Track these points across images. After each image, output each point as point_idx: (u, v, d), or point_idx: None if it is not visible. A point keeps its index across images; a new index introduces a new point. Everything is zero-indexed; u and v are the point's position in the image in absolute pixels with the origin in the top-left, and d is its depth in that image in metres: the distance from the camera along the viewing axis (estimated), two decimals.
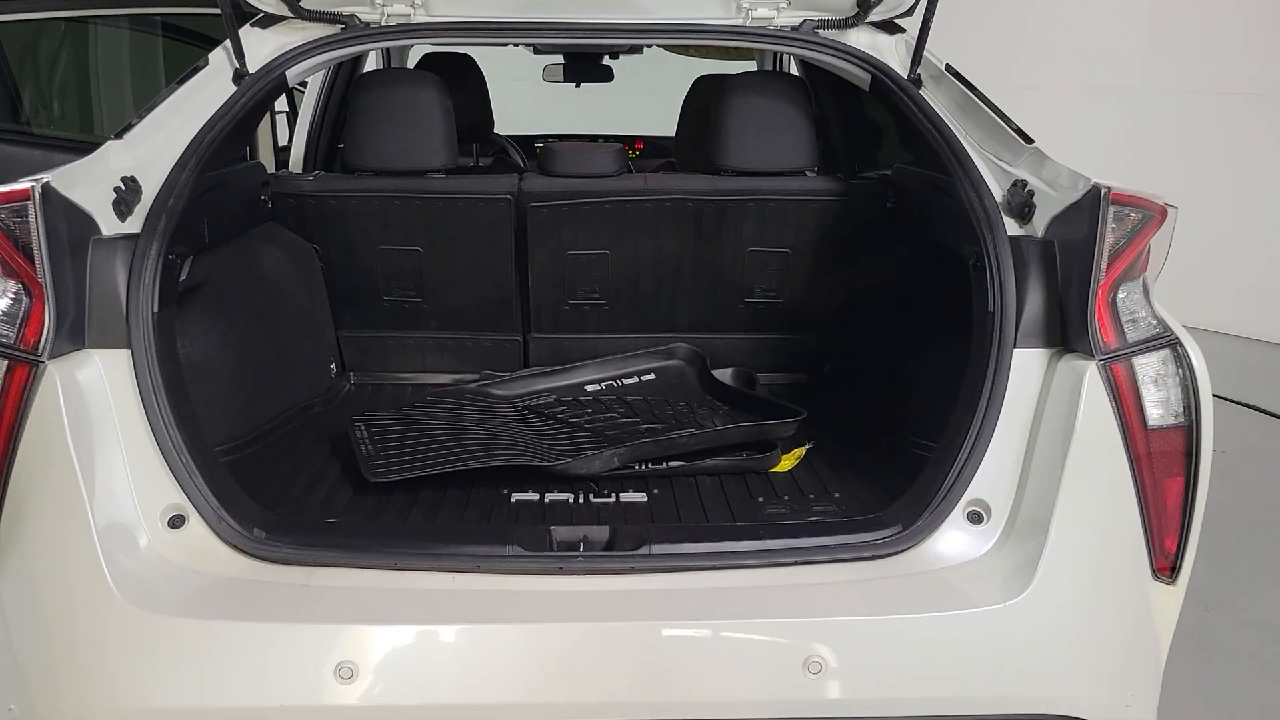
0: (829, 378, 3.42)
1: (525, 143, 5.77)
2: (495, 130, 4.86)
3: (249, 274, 2.99)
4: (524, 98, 6.37)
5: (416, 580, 2.11)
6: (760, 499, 2.61)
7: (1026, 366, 2.20)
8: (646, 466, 2.80)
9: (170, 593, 2.06)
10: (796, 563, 2.16)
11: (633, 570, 2.13)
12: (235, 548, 2.14)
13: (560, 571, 2.12)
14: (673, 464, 2.81)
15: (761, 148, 3.20)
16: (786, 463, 2.79)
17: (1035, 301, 2.21)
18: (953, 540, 2.19)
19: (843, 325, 3.32)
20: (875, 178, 3.29)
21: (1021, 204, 2.32)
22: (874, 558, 2.18)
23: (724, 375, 3.41)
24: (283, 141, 5.14)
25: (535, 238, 3.27)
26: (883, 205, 3.24)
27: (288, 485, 2.63)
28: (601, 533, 2.23)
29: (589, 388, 3.35)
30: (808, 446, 2.85)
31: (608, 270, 3.35)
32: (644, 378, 3.41)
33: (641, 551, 2.15)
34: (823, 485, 2.68)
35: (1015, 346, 2.20)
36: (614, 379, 3.40)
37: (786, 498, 2.61)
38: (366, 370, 3.50)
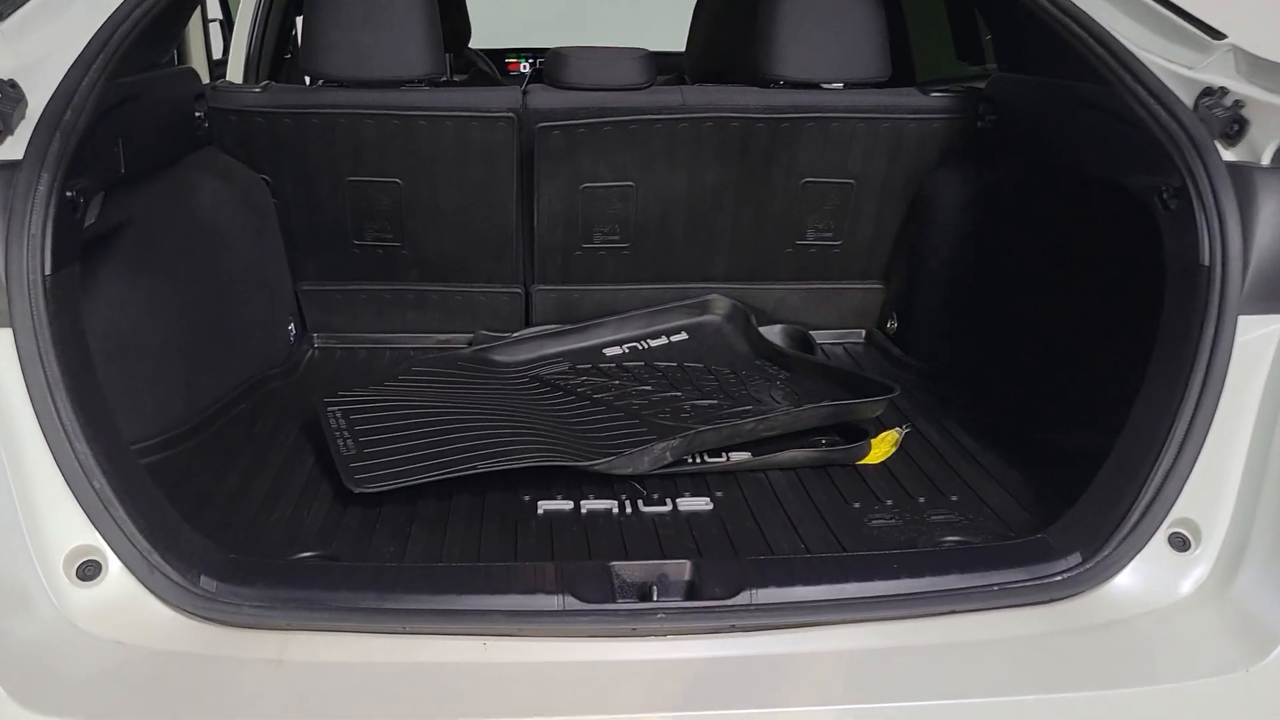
0: (895, 337, 2.84)
1: (497, 59, 5.06)
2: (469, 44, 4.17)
3: (181, 215, 2.32)
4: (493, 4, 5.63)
5: (434, 650, 1.51)
6: (857, 504, 2.04)
7: (1254, 340, 1.64)
8: (702, 458, 2.21)
9: (81, 682, 1.44)
10: (953, 611, 1.60)
11: (734, 629, 1.55)
12: (174, 606, 1.52)
13: (634, 634, 1.54)
14: (735, 455, 2.22)
15: (824, 52, 2.58)
16: (879, 452, 2.22)
17: (1269, 251, 1.64)
18: (1151, 574, 1.64)
19: (918, 274, 2.73)
20: (963, 90, 2.67)
21: (1227, 119, 1.73)
22: (1050, 601, 1.62)
23: (771, 333, 2.81)
24: (218, 54, 4.39)
25: (543, 166, 2.63)
26: (972, 124, 2.64)
27: (241, 498, 2.00)
28: (680, 571, 1.64)
29: (608, 351, 2.73)
30: (905, 431, 2.28)
31: (631, 206, 2.72)
32: (674, 338, 2.80)
33: (741, 600, 1.57)
34: (931, 484, 2.12)
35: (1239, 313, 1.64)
36: (638, 340, 2.78)
37: (890, 502, 2.04)
38: (333, 331, 2.85)
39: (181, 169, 2.36)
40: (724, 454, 2.22)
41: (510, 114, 2.55)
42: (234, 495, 2.00)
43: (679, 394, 2.48)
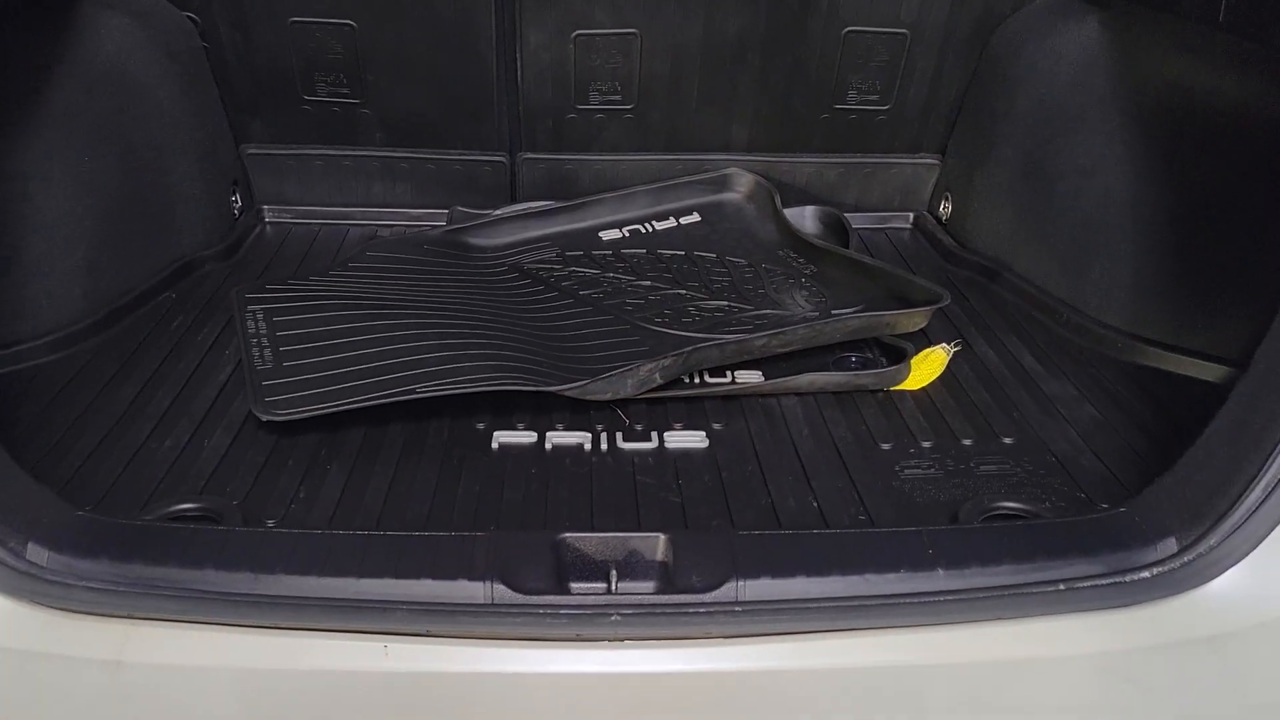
0: (948, 223, 2.38)
1: None
2: None
3: (77, 62, 1.90)
4: None
5: (319, 654, 1.16)
6: (887, 446, 1.64)
7: None
8: (702, 378, 1.81)
9: None
10: (1001, 618, 1.22)
11: (712, 636, 1.18)
12: None
13: (579, 640, 1.17)
14: (742, 374, 1.82)
15: None
16: (920, 375, 1.80)
17: None
18: (1273, 574, 1.23)
19: (983, 149, 2.25)
20: None
21: None
22: (1132, 604, 1.24)
23: (800, 216, 2.36)
24: None
25: (528, 6, 2.16)
26: None
27: (131, 419, 1.64)
28: (651, 547, 1.26)
29: (605, 235, 2.30)
30: (954, 348, 1.85)
31: (635, 59, 2.25)
32: (684, 220, 2.36)
33: (724, 596, 1.19)
34: (983, 419, 1.71)
35: None
36: (641, 222, 2.34)
37: (929, 444, 1.64)
38: (286, 203, 2.44)
39: (77, 4, 1.93)
40: (729, 373, 1.82)
41: None
42: (123, 415, 1.64)
43: (683, 292, 2.06)
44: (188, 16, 2.16)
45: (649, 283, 2.10)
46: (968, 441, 1.64)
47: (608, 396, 1.69)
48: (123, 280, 1.96)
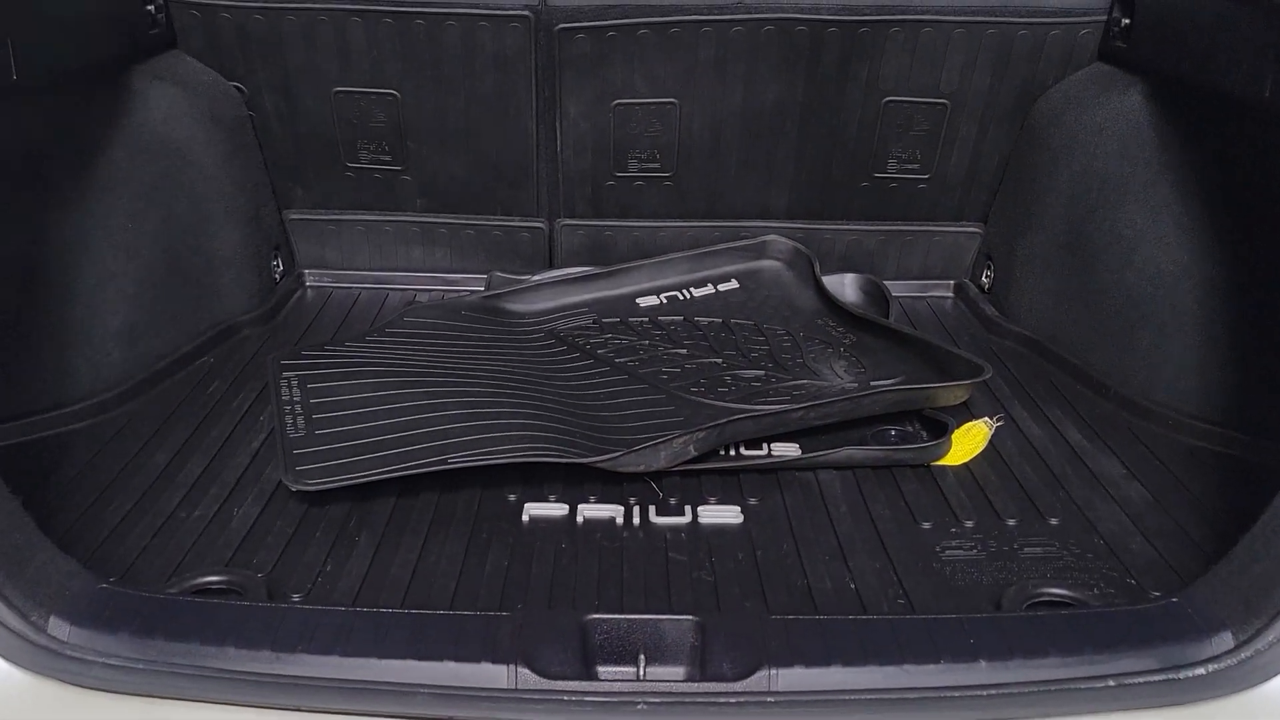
0: (990, 291, 2.34)
1: None
2: None
3: (125, 130, 1.94)
4: None
5: None
6: (927, 525, 1.59)
7: None
8: (737, 450, 1.78)
9: None
10: (1048, 716, 1.16)
11: None
12: (6, 658, 1.17)
13: None
14: (779, 447, 1.78)
15: None
16: (961, 449, 1.76)
17: None
18: None
19: (1026, 218, 2.21)
20: None
21: None
22: (1187, 703, 1.18)
23: (840, 285, 2.34)
24: None
25: (567, 78, 2.17)
26: (1102, 30, 2.10)
27: (163, 484, 1.64)
28: (681, 632, 1.22)
29: (642, 302, 2.29)
30: (997, 423, 1.80)
31: (674, 128, 2.26)
32: (723, 286, 2.34)
33: (756, 685, 1.15)
34: (1027, 498, 1.65)
35: None
36: (679, 288, 2.33)
37: (971, 524, 1.59)
38: (327, 268, 2.46)
39: (128, 75, 1.97)
40: (765, 445, 1.79)
41: (526, 12, 2.10)
42: (153, 483, 1.64)
43: (719, 361, 2.03)
44: (234, 86, 2.20)
45: (685, 350, 2.08)
46: (1011, 521, 1.59)
47: (641, 469, 1.66)
48: (161, 345, 1.97)
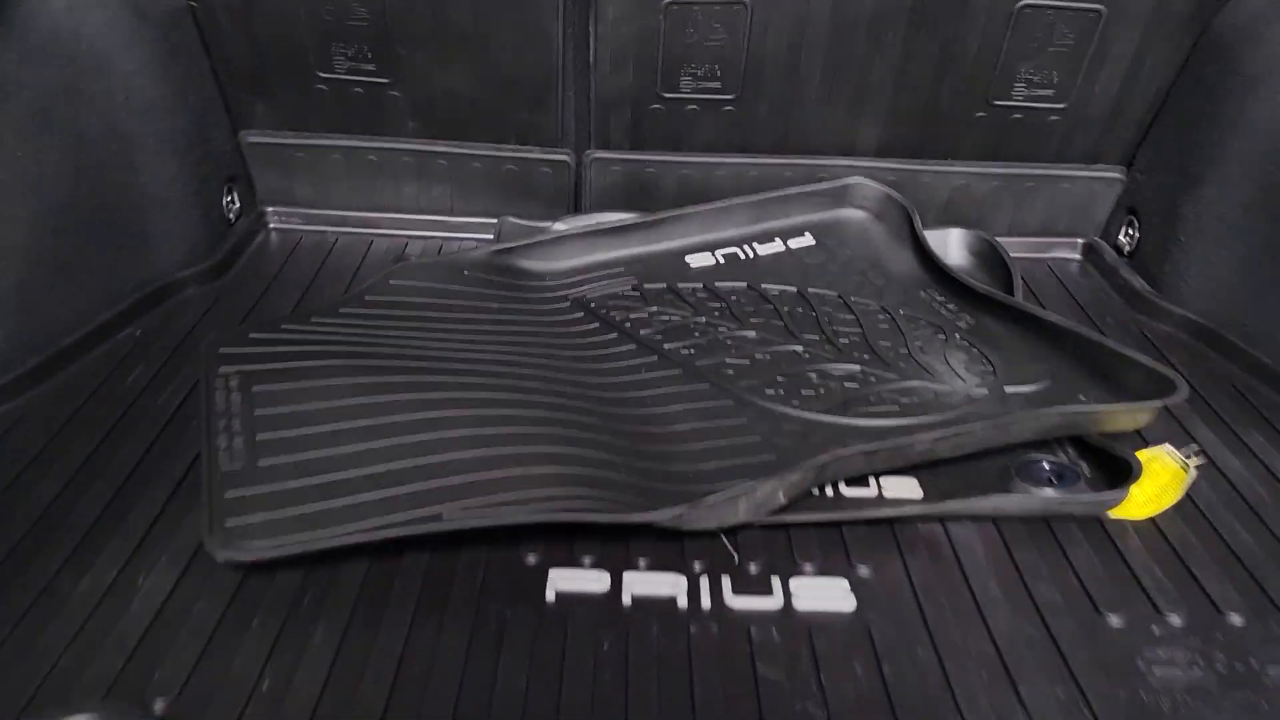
0: (1132, 255, 1.85)
1: None
2: None
3: (15, 35, 1.42)
4: None
5: None
6: (1118, 620, 1.13)
7: None
8: (836, 490, 1.31)
9: None
10: None
11: None
12: None
13: None
14: (893, 486, 1.31)
15: None
16: (1145, 496, 1.28)
17: None
18: None
19: (1196, 160, 1.71)
20: None
21: None
22: None
23: (942, 243, 1.85)
24: None
25: None
26: None
27: (30, 554, 1.17)
28: None
29: (693, 261, 1.80)
30: (1196, 465, 1.33)
31: (741, 36, 1.74)
32: (794, 242, 1.85)
33: None
34: (1251, 577, 1.19)
35: None
36: (740, 244, 1.84)
37: (1179, 621, 1.13)
38: (295, 205, 1.96)
39: None
40: (874, 481, 1.32)
41: None
42: (34, 527, 1.17)
43: (799, 349, 1.55)
44: None
45: (754, 333, 1.60)
46: (1237, 619, 1.13)
47: (713, 525, 1.20)
48: (67, 313, 1.49)
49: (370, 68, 1.79)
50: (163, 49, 1.63)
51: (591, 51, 1.75)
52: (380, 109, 1.85)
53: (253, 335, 1.42)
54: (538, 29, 1.73)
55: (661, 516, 1.15)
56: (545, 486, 1.18)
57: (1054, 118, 1.84)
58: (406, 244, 1.93)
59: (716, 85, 1.80)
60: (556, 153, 1.89)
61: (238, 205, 1.88)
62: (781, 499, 1.21)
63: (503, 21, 1.72)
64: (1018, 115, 1.84)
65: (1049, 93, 1.80)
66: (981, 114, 1.84)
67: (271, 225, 1.95)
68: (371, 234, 1.94)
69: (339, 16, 1.72)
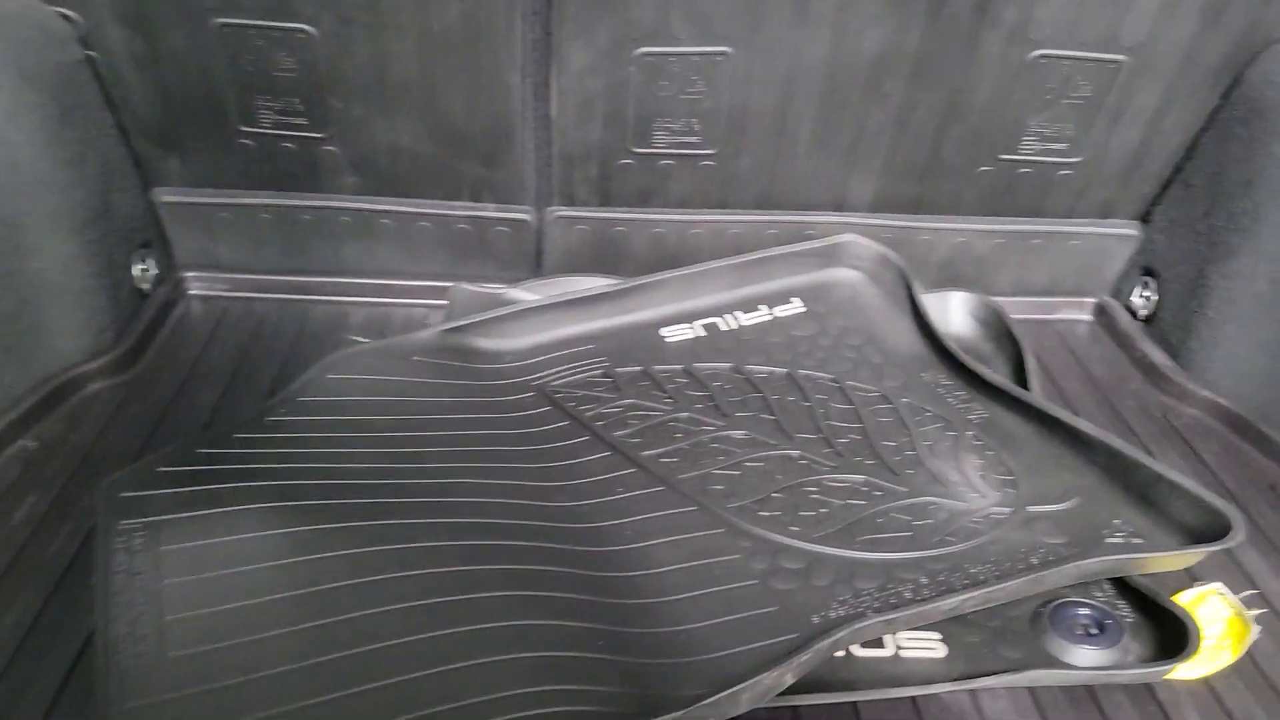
0: (1149, 319, 1.69)
1: None
2: None
3: None
4: None
5: None
6: None
7: None
8: (848, 650, 1.14)
9: None
10: None
11: None
12: None
13: None
14: (912, 646, 1.14)
15: None
16: (1200, 659, 1.12)
17: None
18: None
19: (1222, 221, 1.55)
20: None
21: None
22: None
23: (942, 308, 1.67)
24: None
25: (572, 11, 1.44)
26: None
27: None
28: None
29: (669, 335, 1.61)
30: (1255, 618, 1.17)
31: (724, 88, 1.54)
32: (781, 311, 1.66)
33: None
34: None
35: None
36: (721, 313, 1.65)
37: None
38: (219, 270, 1.74)
39: None
40: (892, 641, 1.15)
41: None
42: None
43: (794, 454, 1.37)
44: (59, 14, 1.44)
45: (743, 432, 1.41)
46: None
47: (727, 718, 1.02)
48: None
49: (301, 121, 1.57)
50: (54, 113, 1.40)
51: (554, 103, 1.55)
52: (314, 164, 1.63)
53: (160, 471, 1.21)
54: (493, 79, 1.52)
55: None
56: (512, 683, 0.99)
57: (1066, 172, 1.67)
58: (348, 312, 1.72)
59: (695, 140, 1.60)
60: (515, 210, 1.68)
61: (153, 272, 1.66)
62: (789, 680, 1.04)
63: (453, 71, 1.51)
64: (1026, 169, 1.66)
65: (1062, 146, 1.63)
66: (987, 167, 1.66)
67: (192, 292, 1.73)
68: (307, 301, 1.73)
69: (261, 67, 1.50)
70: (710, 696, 0.97)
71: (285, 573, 1.08)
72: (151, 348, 1.59)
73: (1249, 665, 1.13)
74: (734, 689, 0.98)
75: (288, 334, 1.66)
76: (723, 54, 1.50)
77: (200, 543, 1.11)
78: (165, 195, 1.66)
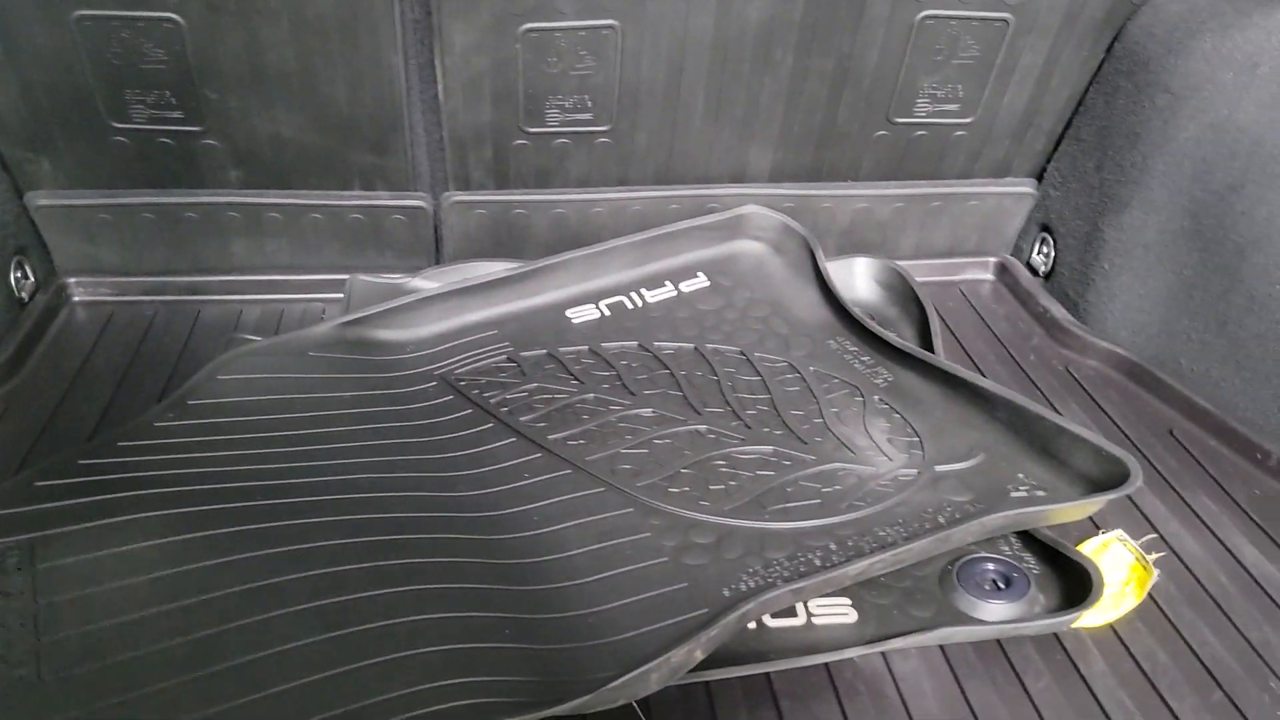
0: (1048, 276, 1.71)
1: None
2: None
3: None
4: None
5: None
6: None
7: None
8: (759, 620, 1.13)
9: None
10: None
11: None
12: None
13: None
14: (824, 612, 1.14)
15: None
16: (1104, 605, 1.13)
17: None
18: None
19: (1115, 178, 1.57)
20: None
21: None
22: None
23: (847, 274, 1.68)
24: None
25: None
26: None
27: None
28: None
29: (575, 315, 1.58)
30: (1154, 561, 1.18)
31: (613, 63, 1.52)
32: (686, 285, 1.65)
33: None
34: (1231, 700, 1.05)
35: None
36: (626, 291, 1.63)
37: None
38: (103, 274, 1.67)
39: None
40: (804, 610, 1.14)
41: None
42: None
43: (702, 429, 1.36)
44: None
45: (650, 410, 1.40)
46: None
47: (621, 701, 1.00)
48: None
49: (177, 115, 1.51)
50: None
51: (440, 85, 1.51)
52: (195, 160, 1.57)
53: (38, 485, 1.15)
54: (374, 62, 1.47)
55: (561, 712, 0.95)
56: (415, 680, 0.96)
57: (960, 133, 1.67)
58: (241, 311, 1.66)
59: (588, 116, 1.58)
60: (410, 197, 1.64)
61: (31, 280, 1.59)
62: (699, 656, 1.02)
63: (331, 56, 1.46)
64: (921, 132, 1.67)
65: (954, 107, 1.64)
66: (882, 132, 1.66)
67: (75, 298, 1.66)
68: (197, 301, 1.67)
69: (129, 59, 1.43)
70: (618, 679, 0.95)
71: (172, 583, 1.04)
72: (31, 358, 1.52)
73: (1151, 609, 1.15)
74: (642, 669, 0.96)
75: (178, 337, 1.60)
76: (609, 27, 1.47)
77: (81, 558, 1.06)
78: (39, 199, 1.58)
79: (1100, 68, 1.59)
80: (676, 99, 1.57)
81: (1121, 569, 1.16)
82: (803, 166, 1.70)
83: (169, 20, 1.40)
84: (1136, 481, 1.15)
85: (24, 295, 1.57)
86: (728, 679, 1.06)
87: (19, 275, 1.56)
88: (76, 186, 1.59)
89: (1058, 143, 1.70)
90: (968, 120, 1.66)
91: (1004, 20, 1.53)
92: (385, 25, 1.43)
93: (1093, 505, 1.18)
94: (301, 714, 0.91)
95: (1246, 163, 1.38)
